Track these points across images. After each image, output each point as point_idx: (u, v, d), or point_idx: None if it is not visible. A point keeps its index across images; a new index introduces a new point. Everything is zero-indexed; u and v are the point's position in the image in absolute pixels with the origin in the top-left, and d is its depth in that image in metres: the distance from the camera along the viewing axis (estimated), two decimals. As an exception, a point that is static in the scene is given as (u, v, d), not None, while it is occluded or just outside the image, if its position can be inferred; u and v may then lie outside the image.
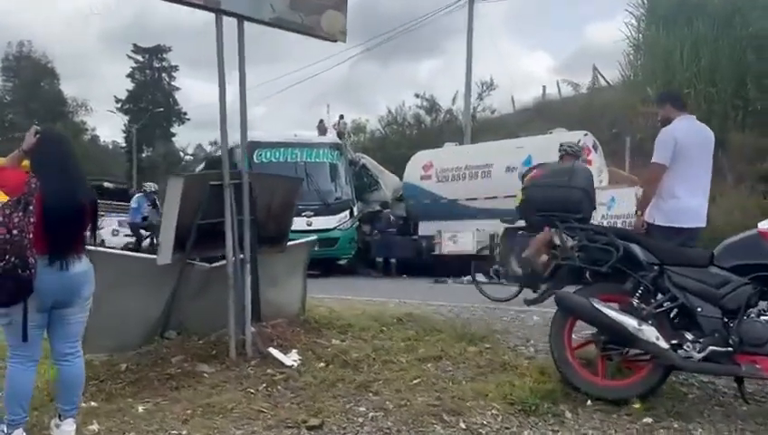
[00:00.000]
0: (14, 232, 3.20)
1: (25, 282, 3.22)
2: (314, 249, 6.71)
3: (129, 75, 53.64)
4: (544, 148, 14.26)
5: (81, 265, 3.49)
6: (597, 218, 13.05)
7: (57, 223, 3.39)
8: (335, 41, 6.15)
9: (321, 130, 19.74)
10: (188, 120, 54.42)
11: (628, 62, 19.74)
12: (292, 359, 4.91)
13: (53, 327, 3.45)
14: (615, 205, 12.78)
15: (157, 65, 54.97)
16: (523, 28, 66.98)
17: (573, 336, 4.14)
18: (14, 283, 3.21)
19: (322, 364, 4.78)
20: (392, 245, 16.13)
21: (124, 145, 51.97)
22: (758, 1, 17.46)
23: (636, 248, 3.94)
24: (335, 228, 15.06)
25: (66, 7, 72.90)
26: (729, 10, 17.51)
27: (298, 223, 14.93)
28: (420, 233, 16.49)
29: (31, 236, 3.24)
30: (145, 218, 15.32)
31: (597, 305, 3.85)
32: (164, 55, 54.87)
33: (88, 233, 3.64)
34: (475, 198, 15.03)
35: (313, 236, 7.42)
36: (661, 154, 4.74)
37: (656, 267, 3.84)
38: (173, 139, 52.81)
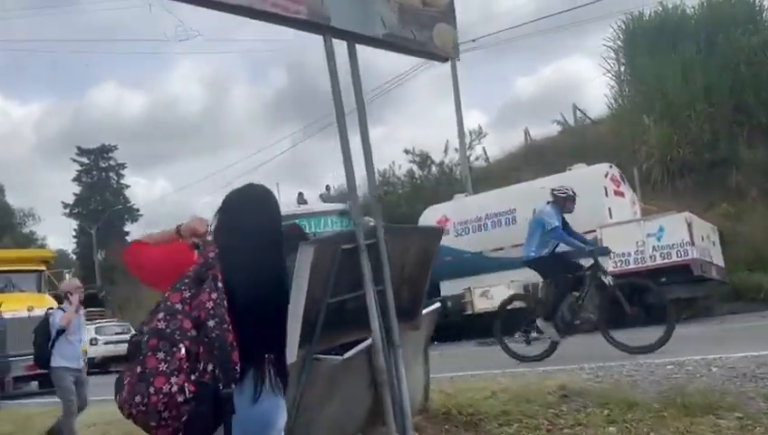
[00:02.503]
0: (210, 323, 2.15)
1: (227, 404, 2.14)
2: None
3: (75, 179, 52.28)
4: (565, 186, 13.45)
5: (274, 397, 2.40)
6: (648, 251, 12.16)
7: (251, 320, 2.27)
8: (447, 59, 5.10)
9: (302, 203, 18.80)
10: (141, 216, 52.87)
11: (616, 95, 19.48)
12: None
13: None
14: (665, 235, 11.89)
15: (103, 165, 53.81)
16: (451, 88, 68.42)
17: None
18: (211, 408, 2.12)
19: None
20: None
21: (76, 249, 50.00)
22: (738, 18, 17.46)
23: None
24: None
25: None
26: (711, 30, 17.46)
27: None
28: (443, 293, 15.28)
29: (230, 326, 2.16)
30: None
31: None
32: (110, 154, 53.84)
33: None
34: (501, 248, 13.97)
35: (437, 302, 6.13)
36: None
37: None
38: (126, 238, 50.91)
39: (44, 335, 6.73)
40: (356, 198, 4.35)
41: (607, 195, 12.95)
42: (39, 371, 13.42)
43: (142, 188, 75.82)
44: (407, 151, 20.82)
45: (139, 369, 2.12)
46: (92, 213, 48.70)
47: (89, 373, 14.33)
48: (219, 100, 77.61)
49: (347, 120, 4.11)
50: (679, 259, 11.69)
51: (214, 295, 2.20)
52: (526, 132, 22.66)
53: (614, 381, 5.51)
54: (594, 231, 12.59)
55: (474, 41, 18.67)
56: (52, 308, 7.18)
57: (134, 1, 64.73)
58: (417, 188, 19.52)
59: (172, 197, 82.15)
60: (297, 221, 13.95)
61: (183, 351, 2.12)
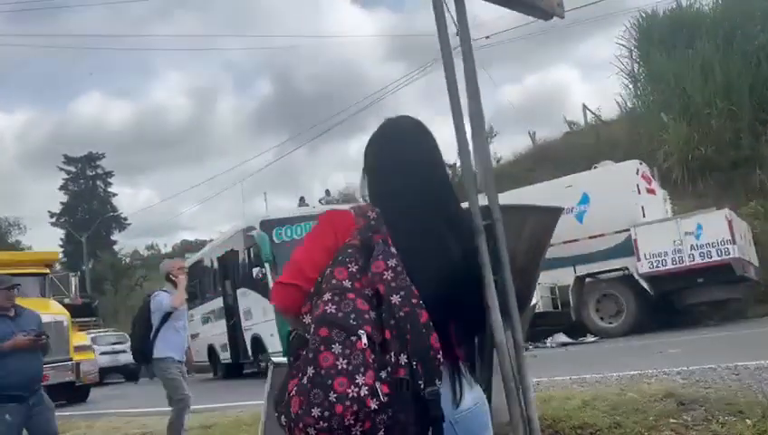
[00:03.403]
0: (394, 300, 1.61)
1: (434, 407, 1.58)
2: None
3: (61, 187, 51.50)
4: (597, 184, 12.94)
5: (475, 392, 1.80)
6: (686, 250, 11.60)
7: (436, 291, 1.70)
8: (552, 16, 4.43)
9: (303, 206, 18.18)
10: (129, 224, 52.14)
11: (631, 94, 19.02)
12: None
13: None
14: (703, 233, 11.35)
15: (90, 173, 53.11)
16: (439, 97, 68.75)
17: None
18: (413, 414, 1.56)
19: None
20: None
21: (63, 259, 49.06)
22: (755, 15, 17.10)
23: None
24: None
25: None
26: (728, 27, 17.07)
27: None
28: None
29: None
30: None
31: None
32: (97, 163, 53.16)
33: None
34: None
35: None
36: None
37: None
38: (113, 247, 50.10)
39: (145, 323, 5.93)
40: (471, 171, 3.65)
41: (639, 192, 12.42)
42: (56, 381, 12.75)
43: (127, 197, 74.93)
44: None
45: (310, 371, 1.52)
46: (79, 222, 47.87)
47: (89, 383, 13.60)
48: (204, 109, 76.97)
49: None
50: (720, 259, 11.15)
51: (391, 263, 1.63)
52: (532, 135, 22.27)
53: (724, 387, 4.87)
54: (628, 230, 12.06)
55: (487, 38, 18.19)
56: (154, 291, 6.15)
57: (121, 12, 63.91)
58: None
59: (159, 206, 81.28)
60: (311, 224, 13.22)
61: (365, 339, 1.53)
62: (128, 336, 24.65)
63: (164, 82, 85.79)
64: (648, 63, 18.40)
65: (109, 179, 52.56)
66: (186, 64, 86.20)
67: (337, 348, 1.51)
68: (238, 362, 15.56)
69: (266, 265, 12.70)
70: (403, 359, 1.54)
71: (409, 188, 1.82)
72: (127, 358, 21.68)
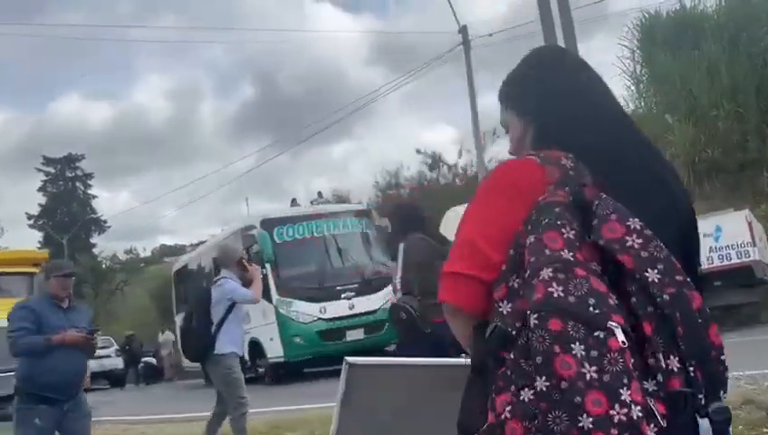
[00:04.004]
0: (651, 277, 1.12)
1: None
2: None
3: (40, 189, 50.46)
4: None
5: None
6: (704, 252, 11.23)
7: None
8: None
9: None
10: (109, 227, 51.21)
11: (635, 95, 18.78)
12: None
13: None
14: (723, 235, 11.00)
15: (70, 175, 52.12)
16: (423, 105, 69.13)
17: None
18: None
19: None
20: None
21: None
22: (761, 17, 16.92)
23: None
24: (380, 309, 12.55)
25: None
26: (733, 29, 16.87)
27: (338, 308, 12.44)
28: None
29: None
30: None
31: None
32: (77, 164, 52.22)
33: None
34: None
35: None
36: None
37: None
38: (93, 250, 49.08)
39: (206, 315, 5.24)
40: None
41: (654, 193, 12.04)
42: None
43: (105, 200, 73.73)
44: (418, 151, 19.93)
45: (541, 384, 1.05)
46: (58, 224, 46.83)
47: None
48: (185, 112, 76.14)
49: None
50: (740, 261, 10.81)
51: (633, 224, 1.14)
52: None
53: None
54: (643, 231, 11.69)
55: (491, 35, 17.81)
56: (219, 279, 5.42)
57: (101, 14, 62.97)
58: (427, 190, 18.51)
59: (138, 210, 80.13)
60: (315, 222, 12.76)
61: (621, 335, 1.04)
62: (113, 341, 24.03)
63: (145, 83, 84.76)
64: (652, 64, 18.16)
65: (89, 181, 51.59)
66: (167, 66, 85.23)
67: (578, 349, 1.02)
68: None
69: (267, 265, 12.15)
70: (674, 363, 1.07)
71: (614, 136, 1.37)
72: (112, 363, 21.03)
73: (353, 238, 12.94)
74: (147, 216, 76.41)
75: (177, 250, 41.99)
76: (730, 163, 15.79)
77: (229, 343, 5.29)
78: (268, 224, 12.49)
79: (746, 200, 15.24)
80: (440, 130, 63.72)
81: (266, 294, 12.39)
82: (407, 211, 4.96)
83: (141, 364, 22.82)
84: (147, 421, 9.38)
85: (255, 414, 8.63)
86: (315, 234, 12.64)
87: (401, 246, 4.44)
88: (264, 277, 12.34)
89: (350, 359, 2.82)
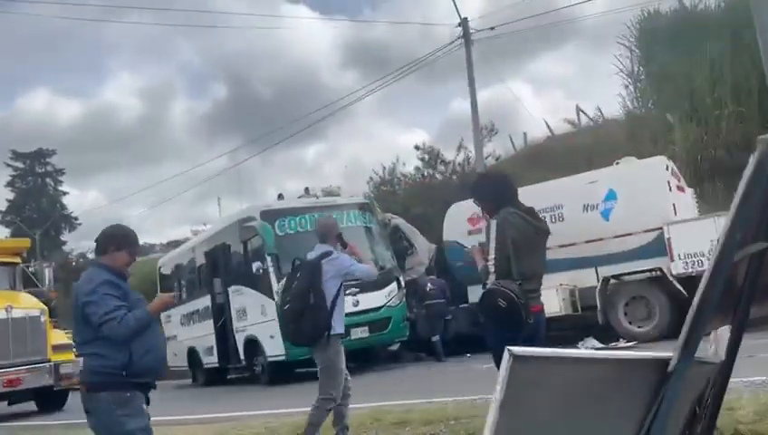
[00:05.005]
0: None
1: None
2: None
3: (8, 184, 49.00)
4: (624, 179, 12.20)
5: None
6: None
7: None
8: None
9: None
10: (80, 224, 49.92)
11: (633, 94, 18.52)
12: None
13: None
14: (743, 232, 10.68)
15: (40, 170, 50.71)
16: (395, 110, 69.27)
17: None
18: None
19: None
20: (440, 319, 13.16)
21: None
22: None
23: None
24: (385, 306, 12.00)
25: None
26: (736, 27, 16.69)
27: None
28: (472, 299, 13.76)
29: None
30: None
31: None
32: (47, 160, 50.86)
33: None
34: (546, 248, 12.51)
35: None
36: None
37: None
38: (63, 247, 47.74)
39: (320, 291, 4.79)
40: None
41: (671, 189, 11.73)
42: (30, 385, 11.04)
43: (73, 198, 71.80)
44: (417, 147, 19.39)
45: None
46: (26, 220, 45.37)
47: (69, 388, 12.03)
48: (156, 111, 74.75)
49: None
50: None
51: None
52: (524, 136, 21.66)
53: None
54: (659, 229, 11.34)
55: (492, 29, 17.40)
56: (324, 251, 5.01)
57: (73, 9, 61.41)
58: (425, 186, 17.99)
59: (107, 208, 78.34)
60: (318, 215, 12.12)
61: None
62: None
63: (116, 81, 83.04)
64: (652, 63, 17.95)
65: (59, 177, 50.18)
66: (139, 64, 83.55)
67: None
68: (225, 367, 14.24)
69: (268, 258, 11.52)
70: None
71: None
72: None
73: (357, 232, 12.35)
74: (115, 214, 74.34)
75: (147, 249, 40.88)
76: (732, 163, 15.60)
77: (340, 323, 4.90)
78: (269, 215, 11.84)
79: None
80: (411, 132, 63.77)
81: (267, 290, 11.79)
82: (498, 182, 4.36)
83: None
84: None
85: (260, 416, 8.05)
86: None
87: (493, 222, 3.90)
88: (265, 272, 11.74)
89: (513, 349, 2.37)
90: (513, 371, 2.26)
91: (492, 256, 3.81)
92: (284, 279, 5.26)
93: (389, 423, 5.86)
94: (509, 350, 2.30)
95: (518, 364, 2.31)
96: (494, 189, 4.13)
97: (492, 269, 3.79)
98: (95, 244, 3.76)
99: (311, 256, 5.13)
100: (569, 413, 2.30)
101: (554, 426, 2.31)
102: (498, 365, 4.07)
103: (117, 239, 3.66)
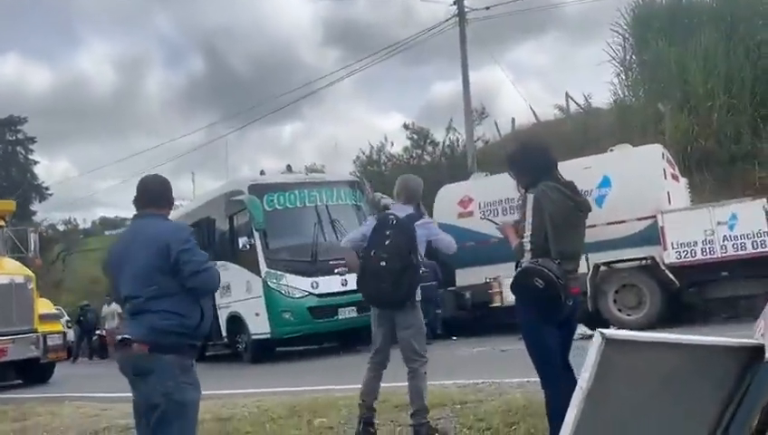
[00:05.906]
0: None
1: None
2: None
3: (-24, 152, 47.39)
4: (620, 166, 12.07)
5: None
6: (718, 241, 10.86)
7: None
8: None
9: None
10: (51, 195, 48.67)
11: (624, 82, 18.40)
12: None
13: None
14: (738, 223, 10.64)
15: (10, 138, 49.17)
16: (374, 93, 68.79)
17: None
18: None
19: None
20: (429, 301, 12.95)
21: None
22: (758, 10, 16.74)
23: None
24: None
25: None
26: (729, 20, 16.65)
27: (331, 284, 11.58)
28: (459, 283, 13.60)
29: None
30: None
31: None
32: (18, 127, 49.30)
33: None
34: (536, 234, 12.39)
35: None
36: None
37: None
38: (33, 218, 46.51)
39: (417, 247, 4.56)
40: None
41: (666, 177, 11.63)
42: (15, 357, 10.33)
43: (43, 168, 70.19)
44: (406, 126, 19.07)
45: None
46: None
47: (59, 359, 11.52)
48: (131, 83, 73.17)
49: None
50: (755, 251, 10.44)
51: None
52: (513, 121, 21.49)
53: None
54: (652, 217, 11.25)
55: (487, 8, 17.11)
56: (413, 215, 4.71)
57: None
58: (412, 167, 17.73)
59: (77, 180, 76.82)
60: (308, 191, 11.83)
61: None
62: (64, 310, 22.42)
63: (90, 48, 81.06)
64: (644, 52, 17.83)
65: (30, 146, 48.78)
66: (114, 32, 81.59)
67: None
68: (205, 344, 13.91)
69: (256, 233, 11.19)
70: None
71: None
72: (69, 334, 19.48)
73: (347, 211, 12.06)
74: (85, 186, 72.85)
75: (119, 223, 40.07)
76: (722, 155, 15.61)
77: (419, 290, 4.72)
78: (257, 189, 11.48)
79: (735, 193, 15.08)
80: (389, 117, 63.38)
81: (253, 266, 11.47)
82: (536, 152, 4.02)
83: (95, 337, 21.34)
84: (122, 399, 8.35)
85: (249, 395, 7.79)
86: (308, 203, 11.68)
87: (530, 197, 3.63)
88: (252, 247, 11.42)
89: (606, 331, 2.14)
90: (606, 354, 2.04)
91: (527, 232, 3.56)
92: (365, 232, 4.73)
93: (392, 406, 5.63)
94: (601, 332, 2.07)
95: (611, 349, 2.08)
96: (532, 160, 3.84)
97: (528, 247, 3.54)
98: (149, 195, 3.44)
99: (397, 214, 4.72)
100: (652, 401, 2.11)
101: (639, 414, 2.12)
102: (530, 350, 3.85)
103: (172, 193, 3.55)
